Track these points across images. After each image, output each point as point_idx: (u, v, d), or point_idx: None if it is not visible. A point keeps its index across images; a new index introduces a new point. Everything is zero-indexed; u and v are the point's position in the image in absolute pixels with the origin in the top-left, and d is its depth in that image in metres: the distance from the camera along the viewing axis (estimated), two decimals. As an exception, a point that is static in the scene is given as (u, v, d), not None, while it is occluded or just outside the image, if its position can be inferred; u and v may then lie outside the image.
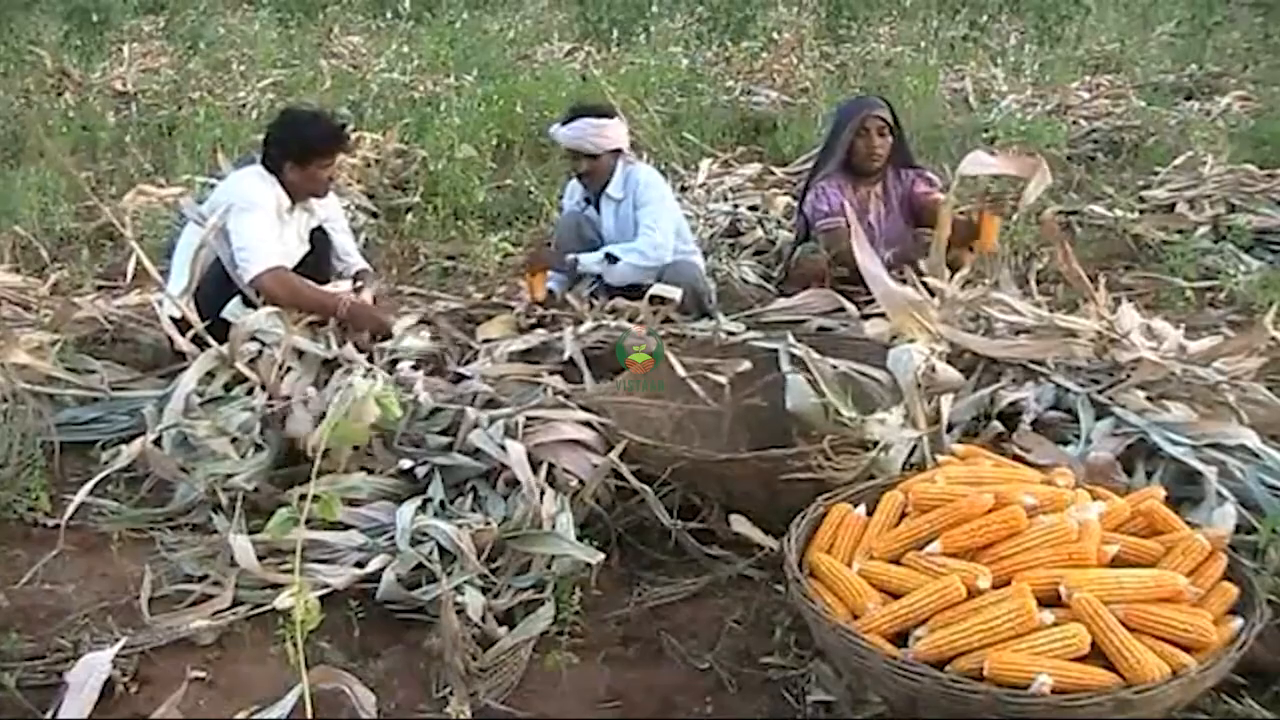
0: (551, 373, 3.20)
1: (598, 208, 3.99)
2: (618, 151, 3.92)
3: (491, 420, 2.82)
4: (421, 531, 2.54)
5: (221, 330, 3.24)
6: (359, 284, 3.75)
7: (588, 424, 2.80)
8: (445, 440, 2.86)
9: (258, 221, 3.45)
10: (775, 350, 2.99)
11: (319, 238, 3.75)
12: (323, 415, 2.85)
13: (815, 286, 3.82)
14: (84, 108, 7.45)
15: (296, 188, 3.58)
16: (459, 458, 2.77)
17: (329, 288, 3.61)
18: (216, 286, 3.38)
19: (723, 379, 2.91)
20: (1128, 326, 3.16)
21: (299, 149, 3.54)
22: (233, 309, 3.32)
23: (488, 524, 2.53)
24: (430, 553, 2.47)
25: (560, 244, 4.01)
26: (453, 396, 3.06)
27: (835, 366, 2.82)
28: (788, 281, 4.09)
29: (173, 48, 9.96)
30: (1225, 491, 2.45)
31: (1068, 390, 2.94)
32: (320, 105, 6.92)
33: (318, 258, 3.73)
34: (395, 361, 3.31)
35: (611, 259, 3.79)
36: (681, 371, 2.95)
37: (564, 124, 3.92)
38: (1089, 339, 3.08)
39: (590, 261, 3.82)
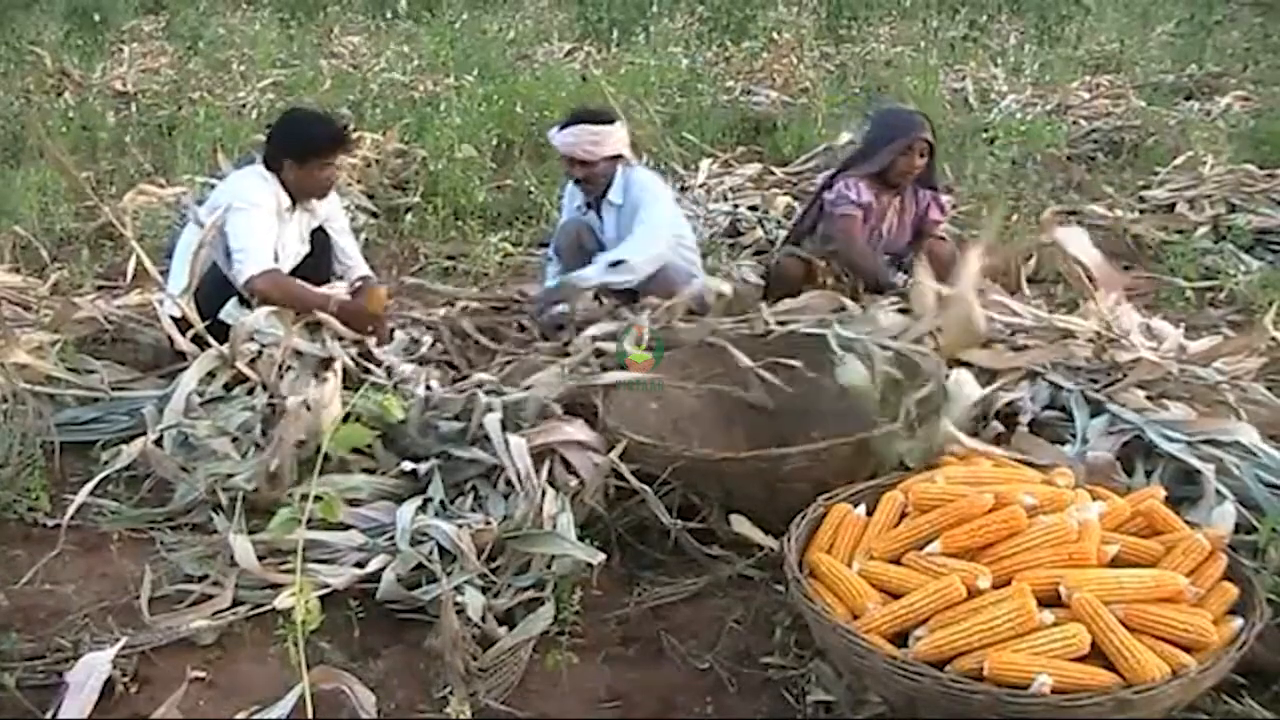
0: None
1: (599, 213, 3.93)
2: (617, 157, 3.80)
3: (504, 405, 2.84)
4: (421, 532, 2.54)
5: (221, 330, 3.24)
6: (357, 285, 3.75)
7: (588, 423, 2.80)
8: (459, 426, 2.87)
9: (255, 222, 3.44)
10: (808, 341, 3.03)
11: (319, 238, 3.75)
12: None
13: (808, 289, 3.79)
14: (84, 108, 7.44)
15: (295, 187, 3.57)
16: (473, 450, 2.78)
17: (325, 289, 3.60)
18: (216, 287, 3.37)
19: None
20: (1127, 327, 3.16)
21: (298, 148, 3.54)
22: (230, 311, 3.32)
23: (488, 524, 2.53)
24: (430, 553, 2.47)
25: (560, 251, 3.97)
26: (458, 388, 3.07)
27: (883, 346, 2.89)
28: (771, 286, 3.95)
29: (173, 48, 9.96)
30: (1224, 490, 2.45)
31: (1061, 388, 2.94)
32: (320, 105, 6.94)
33: (317, 259, 3.72)
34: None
35: (614, 263, 3.61)
36: (747, 361, 2.98)
37: (561, 129, 3.81)
38: (1087, 339, 3.08)
39: (592, 275, 3.58)
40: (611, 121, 3.85)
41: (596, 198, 3.86)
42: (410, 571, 2.45)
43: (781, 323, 3.31)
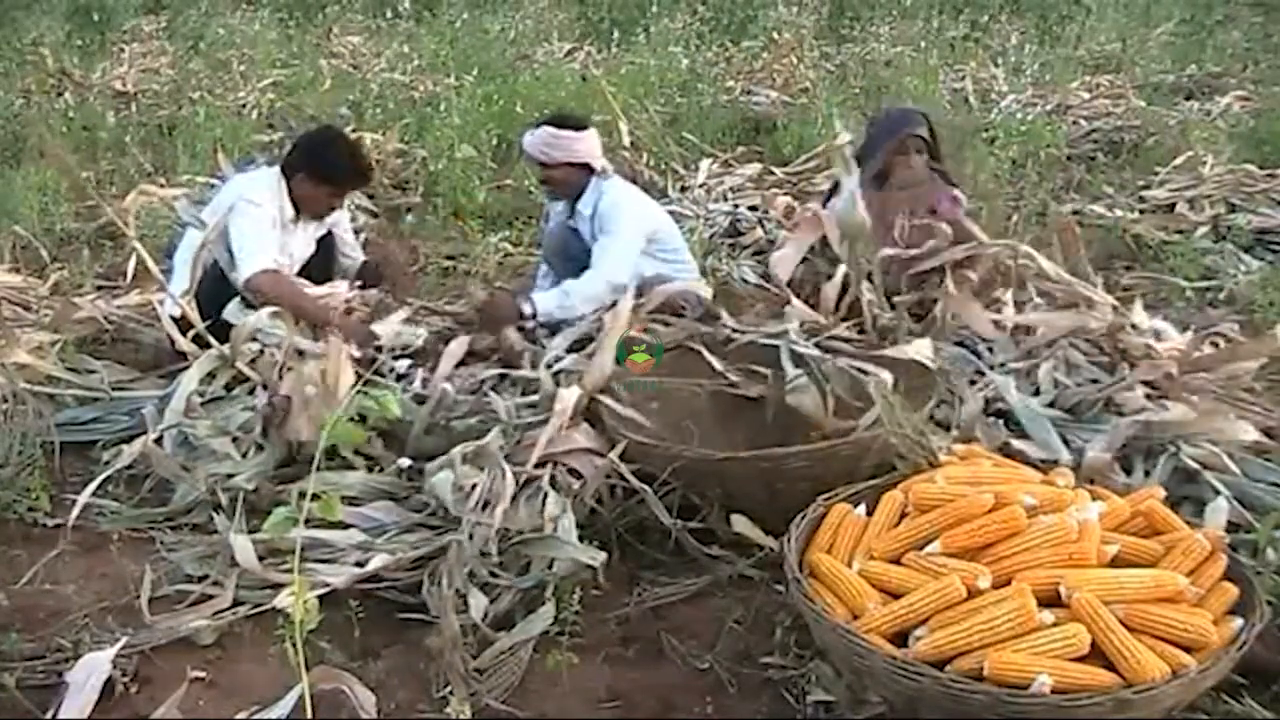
0: None
1: (577, 220, 3.85)
2: (586, 167, 3.70)
3: (520, 408, 2.86)
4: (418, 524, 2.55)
5: (222, 330, 3.24)
6: (360, 281, 3.75)
7: (590, 423, 2.80)
8: (473, 423, 2.87)
9: (257, 222, 3.44)
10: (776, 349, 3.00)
11: (325, 241, 3.78)
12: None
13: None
14: (84, 108, 7.44)
15: (301, 200, 3.58)
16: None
17: (326, 287, 3.59)
18: (217, 287, 3.38)
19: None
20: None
21: (322, 167, 3.55)
22: (233, 311, 3.32)
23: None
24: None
25: (549, 258, 3.95)
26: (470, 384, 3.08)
27: (835, 363, 2.85)
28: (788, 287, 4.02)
29: (173, 48, 9.95)
30: (1220, 485, 2.46)
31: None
32: (320, 105, 6.94)
33: (324, 259, 3.76)
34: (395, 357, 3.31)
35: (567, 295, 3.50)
36: (718, 365, 2.98)
37: (532, 130, 3.77)
38: (1101, 315, 3.11)
39: (550, 306, 3.45)
40: (581, 129, 3.73)
41: (569, 206, 3.80)
42: (410, 570, 2.45)
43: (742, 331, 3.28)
